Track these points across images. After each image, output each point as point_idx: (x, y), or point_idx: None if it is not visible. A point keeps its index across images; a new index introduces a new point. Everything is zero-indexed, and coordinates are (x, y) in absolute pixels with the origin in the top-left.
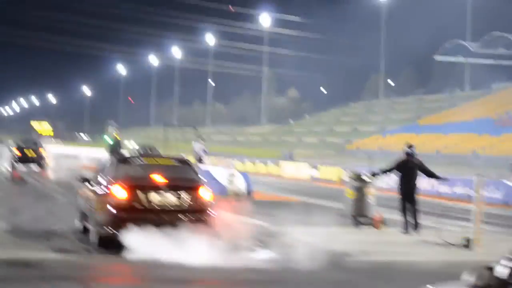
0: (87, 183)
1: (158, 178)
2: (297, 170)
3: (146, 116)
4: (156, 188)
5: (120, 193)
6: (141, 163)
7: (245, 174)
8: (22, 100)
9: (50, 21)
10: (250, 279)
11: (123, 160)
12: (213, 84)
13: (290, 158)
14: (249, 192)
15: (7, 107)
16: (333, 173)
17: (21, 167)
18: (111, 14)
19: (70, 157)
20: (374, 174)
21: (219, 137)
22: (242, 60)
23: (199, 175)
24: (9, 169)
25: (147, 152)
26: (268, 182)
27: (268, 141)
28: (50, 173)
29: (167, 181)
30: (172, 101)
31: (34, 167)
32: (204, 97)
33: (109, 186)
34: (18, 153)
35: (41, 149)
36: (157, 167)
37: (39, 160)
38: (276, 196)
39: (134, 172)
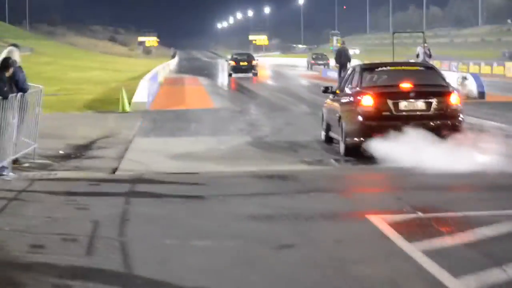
0: (330, 94)
1: (406, 85)
2: None
3: (362, 24)
4: (405, 95)
5: (368, 101)
6: (387, 70)
7: (476, 76)
8: (238, 14)
9: None
10: (506, 184)
11: (369, 68)
12: None
13: (510, 57)
14: (481, 94)
15: (224, 22)
16: None
17: (236, 75)
18: None
19: (287, 66)
20: None
21: (436, 40)
22: None
23: (446, 81)
24: (227, 78)
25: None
26: (494, 83)
27: (486, 42)
28: (267, 82)
29: (416, 88)
30: (387, 7)
31: (247, 75)
32: (419, 1)
33: (356, 94)
34: (234, 63)
35: (253, 61)
36: (404, 73)
37: (251, 69)
38: (508, 97)
39: (381, 79)
